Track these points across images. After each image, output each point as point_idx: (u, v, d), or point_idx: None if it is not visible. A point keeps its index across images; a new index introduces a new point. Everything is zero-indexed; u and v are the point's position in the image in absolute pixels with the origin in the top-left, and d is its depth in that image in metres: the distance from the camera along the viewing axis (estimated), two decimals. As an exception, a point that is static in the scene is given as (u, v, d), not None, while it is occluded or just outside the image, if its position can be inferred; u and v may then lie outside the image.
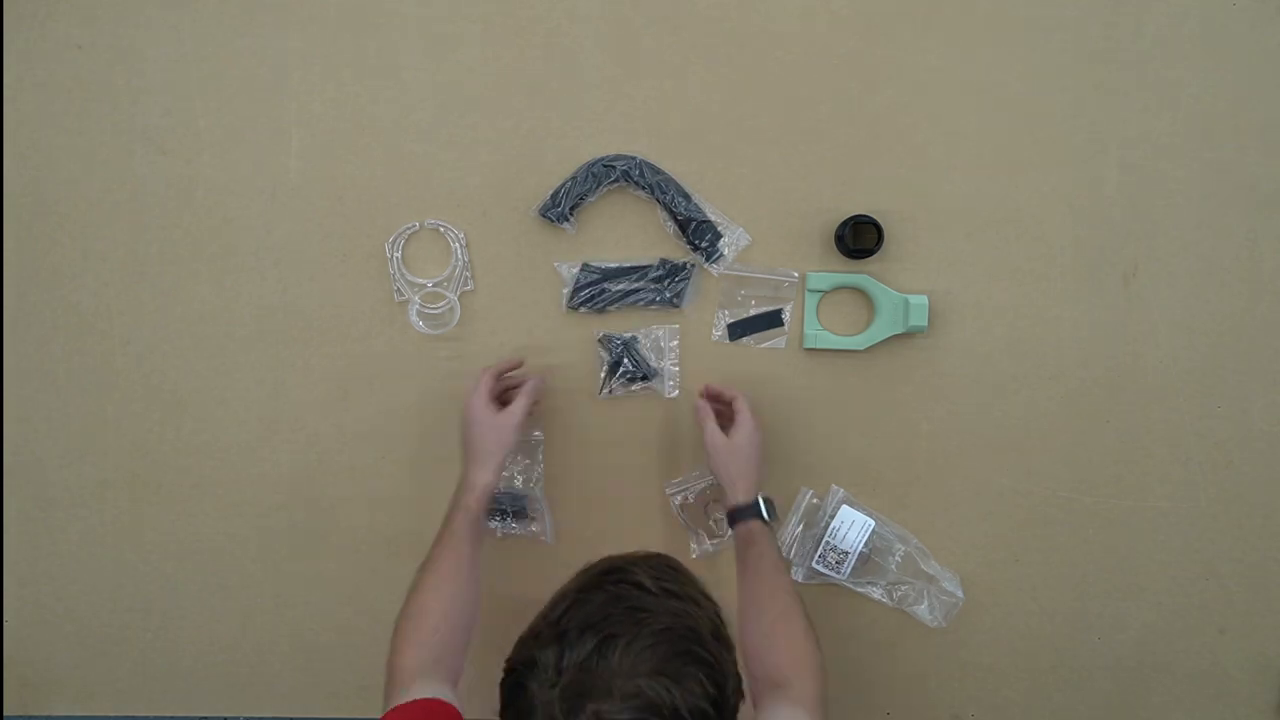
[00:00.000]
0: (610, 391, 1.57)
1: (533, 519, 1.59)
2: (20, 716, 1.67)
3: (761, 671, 1.26)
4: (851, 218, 1.51)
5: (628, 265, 1.55)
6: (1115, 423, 1.59)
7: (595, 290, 1.55)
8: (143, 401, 1.59)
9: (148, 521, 1.61)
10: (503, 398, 1.48)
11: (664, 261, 1.55)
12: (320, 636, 1.64)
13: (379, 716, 1.17)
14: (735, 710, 0.99)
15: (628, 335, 1.55)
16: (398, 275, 1.56)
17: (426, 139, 1.56)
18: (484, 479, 1.39)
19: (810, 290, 1.55)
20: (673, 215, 1.53)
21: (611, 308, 1.56)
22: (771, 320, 1.57)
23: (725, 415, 1.48)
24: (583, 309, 1.56)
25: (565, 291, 1.56)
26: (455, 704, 1.19)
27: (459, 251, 1.55)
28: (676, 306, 1.56)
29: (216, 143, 1.56)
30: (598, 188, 1.53)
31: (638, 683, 0.89)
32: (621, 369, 1.54)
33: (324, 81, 1.55)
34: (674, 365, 1.57)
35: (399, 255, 1.55)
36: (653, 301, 1.56)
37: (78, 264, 1.57)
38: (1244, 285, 1.56)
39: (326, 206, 1.56)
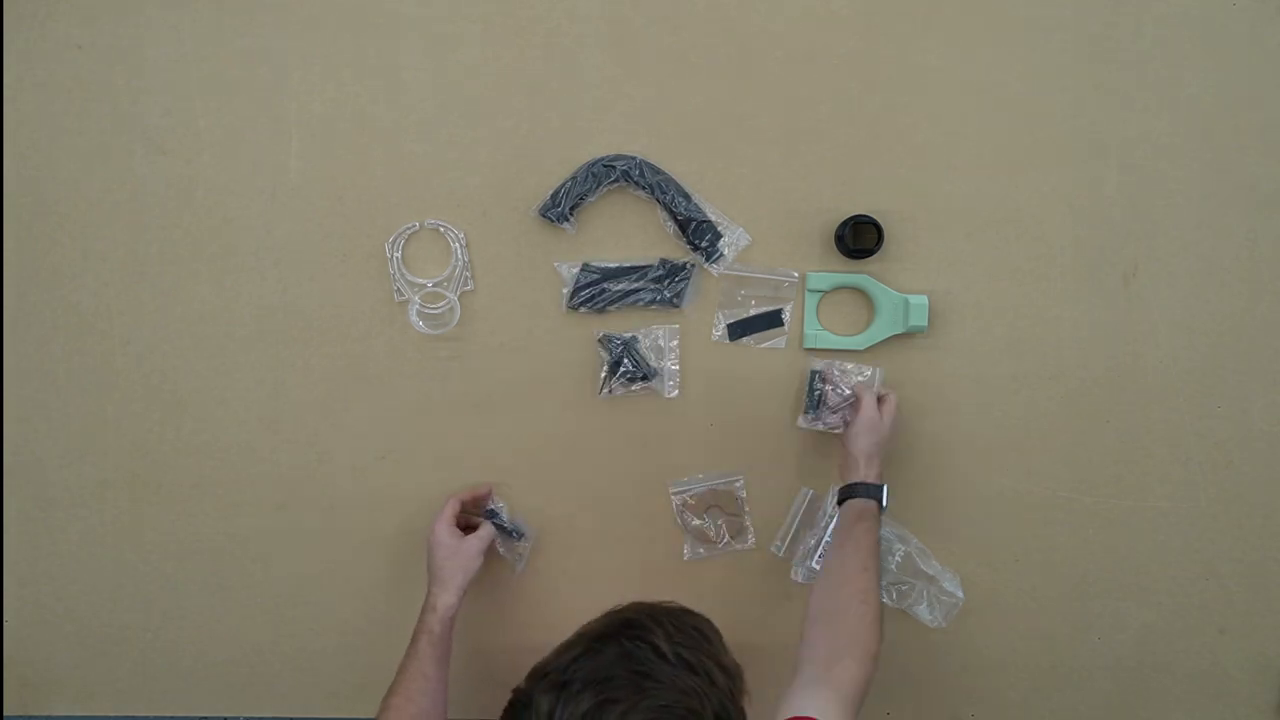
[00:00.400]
0: (610, 391, 1.57)
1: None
2: (20, 716, 1.66)
3: (819, 640, 1.26)
4: (851, 218, 1.51)
5: (628, 265, 1.55)
6: (1115, 423, 1.59)
7: (595, 290, 1.55)
8: (143, 401, 1.59)
9: (148, 521, 1.61)
10: (469, 521, 1.54)
11: (664, 261, 1.55)
12: (320, 637, 1.64)
13: None
14: None
15: (628, 335, 1.55)
16: (398, 275, 1.55)
17: (426, 139, 1.55)
18: (446, 600, 1.43)
19: (810, 290, 1.55)
20: (673, 215, 1.53)
21: (611, 308, 1.56)
22: (771, 320, 1.57)
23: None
24: (583, 309, 1.56)
25: (565, 291, 1.56)
26: None
27: (459, 251, 1.55)
28: (676, 306, 1.56)
29: (216, 143, 1.56)
30: (598, 188, 1.53)
31: None
32: (621, 369, 1.54)
33: (324, 81, 1.55)
34: (674, 365, 1.57)
35: (399, 255, 1.55)
36: (653, 301, 1.56)
37: (78, 264, 1.57)
38: (1244, 285, 1.57)
39: (326, 206, 1.56)
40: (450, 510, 1.50)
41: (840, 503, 1.46)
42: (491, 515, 1.57)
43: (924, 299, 1.52)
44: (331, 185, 1.56)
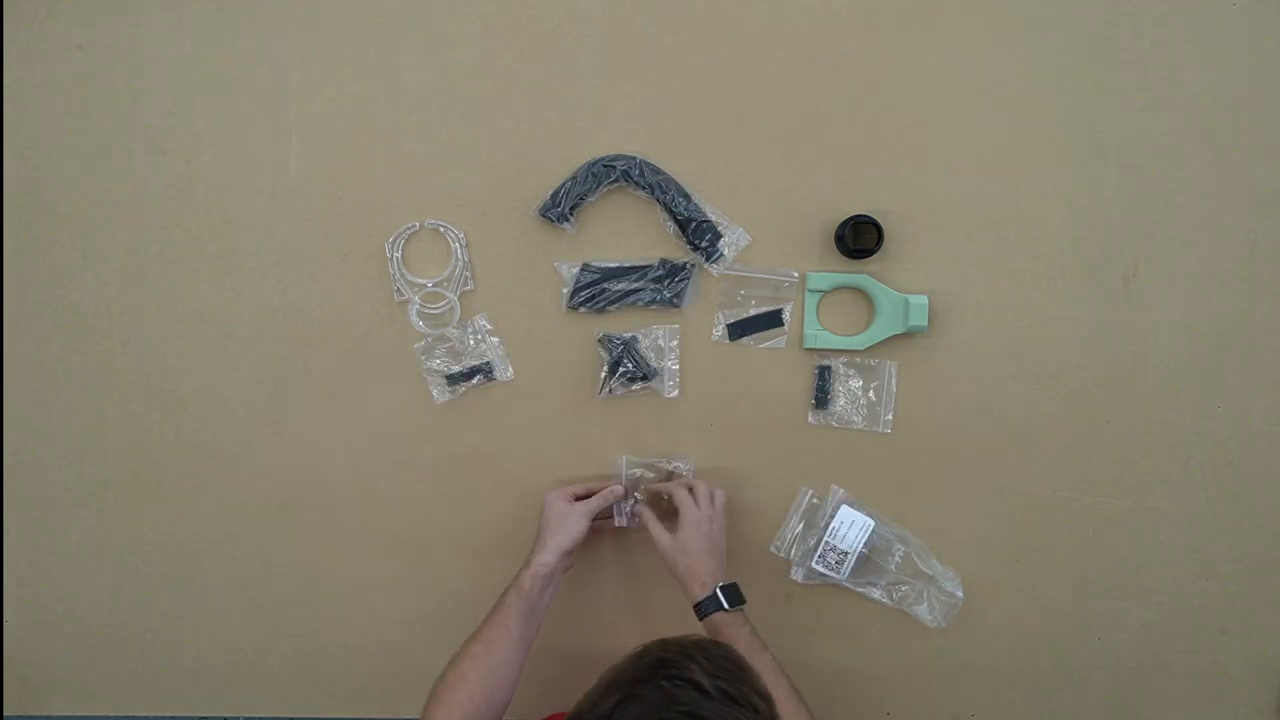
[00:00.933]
0: (610, 391, 1.57)
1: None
2: (20, 716, 1.67)
3: None
4: (851, 218, 1.51)
5: (628, 265, 1.55)
6: (1115, 422, 1.59)
7: (595, 290, 1.55)
8: (143, 401, 1.59)
9: (147, 521, 1.61)
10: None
11: (664, 261, 1.55)
12: (319, 637, 1.64)
13: None
14: None
15: (627, 335, 1.55)
16: (398, 275, 1.56)
17: (426, 139, 1.56)
18: (544, 560, 1.42)
19: (810, 290, 1.55)
20: (673, 215, 1.53)
21: (611, 308, 1.56)
22: (771, 320, 1.57)
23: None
24: (583, 309, 1.56)
25: (565, 291, 1.56)
26: None
27: (459, 251, 1.55)
28: (677, 306, 1.56)
29: (216, 142, 1.56)
30: (598, 188, 1.53)
31: None
32: (621, 369, 1.54)
33: (324, 81, 1.55)
34: (674, 365, 1.57)
35: (399, 255, 1.55)
36: (653, 301, 1.56)
37: (78, 264, 1.57)
38: (1244, 285, 1.56)
39: (326, 206, 1.56)
40: (573, 488, 1.52)
41: (702, 619, 1.43)
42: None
43: (924, 299, 1.52)
44: (331, 185, 1.56)
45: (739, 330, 1.57)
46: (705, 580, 1.41)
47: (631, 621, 1.64)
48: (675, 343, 1.57)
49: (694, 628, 1.39)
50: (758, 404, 1.57)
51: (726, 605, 1.39)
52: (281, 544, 1.62)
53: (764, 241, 1.56)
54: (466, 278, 1.56)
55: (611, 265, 1.55)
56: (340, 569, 1.62)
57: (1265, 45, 1.54)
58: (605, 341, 1.55)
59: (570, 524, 1.45)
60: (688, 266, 1.55)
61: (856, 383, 1.58)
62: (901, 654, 1.63)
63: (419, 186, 1.56)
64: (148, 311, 1.58)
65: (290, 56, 1.55)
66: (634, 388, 1.57)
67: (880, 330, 1.54)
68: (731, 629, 1.37)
